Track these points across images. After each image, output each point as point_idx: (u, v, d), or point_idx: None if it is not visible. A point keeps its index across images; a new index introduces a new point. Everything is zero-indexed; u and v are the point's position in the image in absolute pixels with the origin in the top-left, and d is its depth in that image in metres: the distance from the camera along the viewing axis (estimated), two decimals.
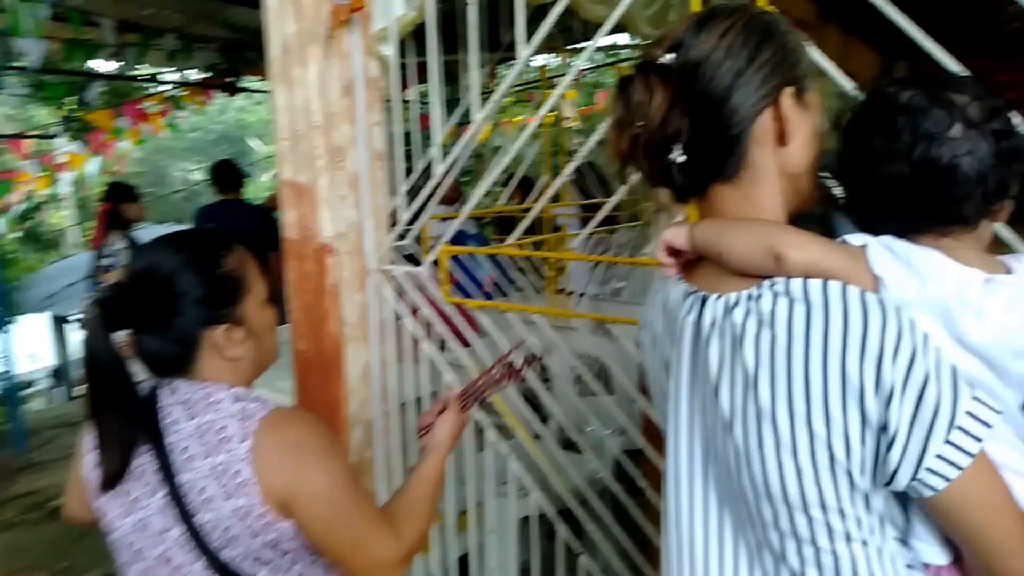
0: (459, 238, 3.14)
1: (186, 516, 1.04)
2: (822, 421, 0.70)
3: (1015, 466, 0.74)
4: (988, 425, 0.69)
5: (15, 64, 5.01)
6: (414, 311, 1.94)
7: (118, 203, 4.33)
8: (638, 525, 1.68)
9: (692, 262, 0.87)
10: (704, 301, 0.81)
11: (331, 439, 1.12)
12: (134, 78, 6.12)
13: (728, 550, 0.82)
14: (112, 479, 1.07)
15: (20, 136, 6.12)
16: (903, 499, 0.77)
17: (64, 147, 6.46)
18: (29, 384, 9.35)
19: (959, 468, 0.69)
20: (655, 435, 1.70)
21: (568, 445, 2.24)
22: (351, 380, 1.90)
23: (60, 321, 11.68)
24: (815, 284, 0.71)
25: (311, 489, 1.04)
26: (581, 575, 1.72)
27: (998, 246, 0.86)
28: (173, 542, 1.06)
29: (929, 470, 0.69)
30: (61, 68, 5.87)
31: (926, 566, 0.79)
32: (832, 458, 0.71)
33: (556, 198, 3.40)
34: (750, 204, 0.82)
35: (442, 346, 1.98)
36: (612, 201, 1.48)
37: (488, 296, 3.20)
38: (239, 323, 1.11)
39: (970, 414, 0.68)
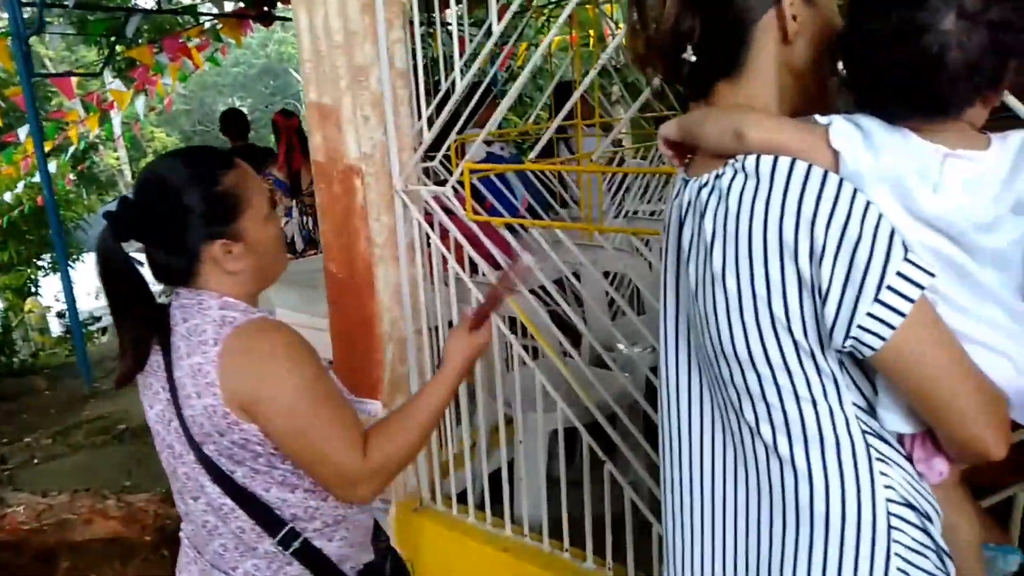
0: (493, 161, 3.12)
1: (178, 409, 1.12)
2: (763, 282, 0.75)
3: (992, 343, 0.75)
4: (920, 286, 0.71)
5: (57, 3, 5.05)
6: (444, 234, 1.95)
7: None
8: None
9: (695, 152, 0.90)
10: (686, 185, 0.86)
11: (301, 353, 1.12)
12: (171, 11, 6.13)
13: (707, 412, 0.89)
14: (128, 375, 1.15)
15: (66, 75, 6.21)
16: (869, 367, 0.79)
17: (109, 85, 6.56)
18: (95, 319, 9.80)
19: (891, 327, 0.71)
20: None
21: (601, 363, 2.26)
22: (382, 299, 1.94)
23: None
24: (766, 159, 0.76)
25: (270, 397, 1.08)
26: (607, 483, 1.76)
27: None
28: (174, 432, 1.14)
29: (862, 328, 0.72)
30: (100, 4, 5.92)
31: (901, 439, 0.81)
32: (772, 317, 0.76)
33: (590, 117, 3.32)
34: (745, 100, 0.84)
35: (474, 269, 2.00)
36: (627, 116, 1.44)
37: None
38: (237, 238, 1.14)
39: (900, 274, 0.70)
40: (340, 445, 1.11)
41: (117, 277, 1.11)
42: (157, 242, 1.14)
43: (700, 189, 0.82)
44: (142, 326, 1.14)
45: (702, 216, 0.80)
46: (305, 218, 4.20)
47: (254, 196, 1.17)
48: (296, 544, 1.16)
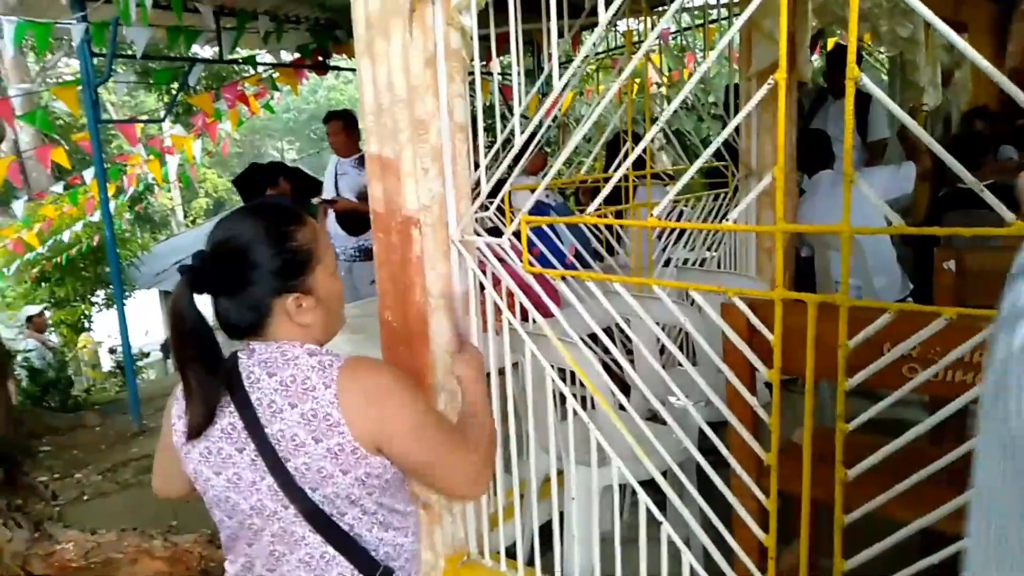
0: (540, 209, 3.14)
1: (277, 464, 1.12)
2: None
3: None
4: None
5: (123, 53, 5.27)
6: (496, 282, 1.96)
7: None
8: (722, 495, 1.66)
9: None
10: None
11: (406, 379, 1.23)
12: (232, 61, 6.36)
13: None
14: (197, 430, 1.16)
15: (131, 121, 6.48)
16: None
17: (169, 130, 6.82)
18: (144, 355, 10.03)
19: None
20: (739, 405, 1.67)
21: (654, 416, 2.22)
22: (436, 349, 1.94)
23: (169, 296, 12.39)
24: None
25: (400, 429, 1.15)
26: (663, 543, 1.71)
27: None
28: (266, 491, 1.15)
29: None
30: (165, 55, 6.19)
31: None
32: None
33: (641, 167, 3.34)
34: None
35: (524, 316, 2.00)
36: (695, 167, 1.44)
37: (571, 268, 3.20)
38: (309, 292, 1.18)
39: None
40: (463, 449, 1.25)
41: (187, 328, 1.13)
42: (231, 295, 1.17)
43: None
44: (211, 378, 1.16)
45: None
46: None
47: (324, 252, 1.21)
48: None
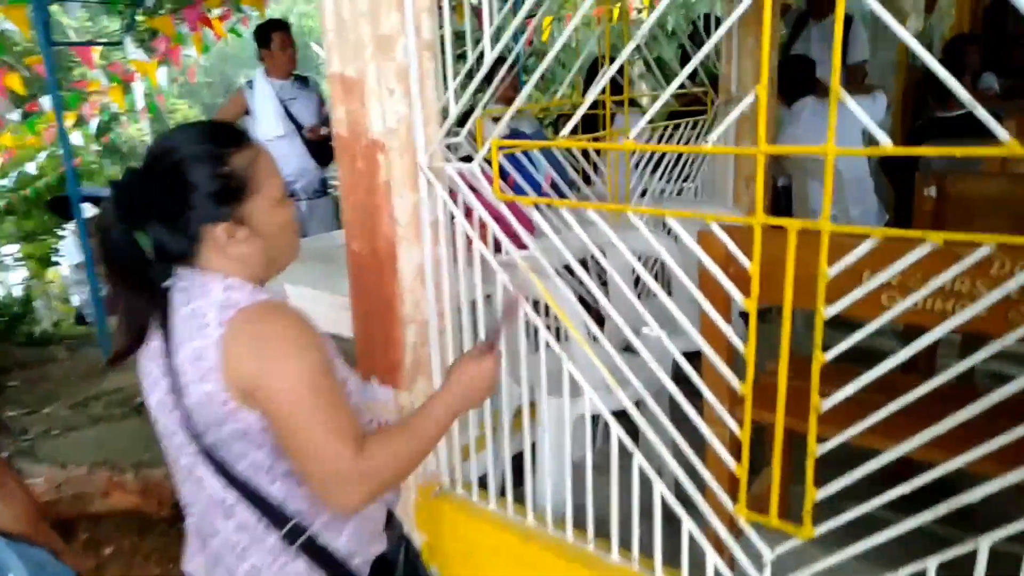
0: (517, 137, 3.04)
1: (180, 398, 1.06)
2: None
3: None
4: None
5: None
6: (468, 210, 1.89)
7: None
8: (694, 425, 1.64)
9: None
10: None
11: (308, 339, 1.06)
12: None
13: None
14: (120, 354, 1.12)
15: (86, 44, 6.18)
16: None
17: (131, 55, 6.52)
18: None
19: None
20: (713, 336, 1.64)
21: (630, 348, 2.19)
22: (405, 280, 1.88)
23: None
24: None
25: (271, 384, 1.02)
26: (634, 473, 1.70)
27: None
28: (176, 421, 1.09)
29: None
30: None
31: None
32: None
33: (619, 93, 3.23)
34: None
35: (498, 247, 1.93)
36: (672, 87, 1.36)
37: (546, 196, 3.12)
38: (242, 222, 1.09)
39: None
40: (334, 439, 1.03)
41: (116, 250, 1.07)
42: (159, 218, 1.09)
43: None
44: (139, 302, 1.11)
45: None
46: None
47: (265, 179, 1.11)
48: (302, 539, 1.12)
